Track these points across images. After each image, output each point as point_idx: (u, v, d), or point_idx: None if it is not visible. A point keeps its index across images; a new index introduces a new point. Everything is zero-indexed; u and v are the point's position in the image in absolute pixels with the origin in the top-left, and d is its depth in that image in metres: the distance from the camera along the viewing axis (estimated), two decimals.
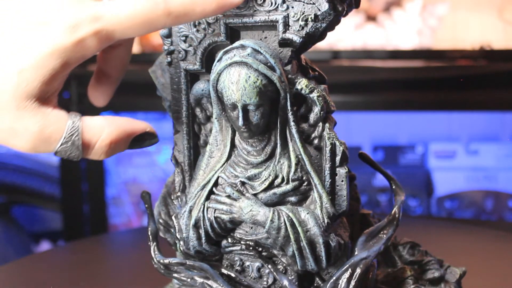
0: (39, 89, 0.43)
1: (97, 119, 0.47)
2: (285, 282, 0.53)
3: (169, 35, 0.55)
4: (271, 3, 0.50)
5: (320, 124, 0.52)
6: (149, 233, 0.58)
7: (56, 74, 0.44)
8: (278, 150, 0.52)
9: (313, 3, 0.49)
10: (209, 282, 0.54)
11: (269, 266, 0.54)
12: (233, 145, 0.54)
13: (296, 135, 0.51)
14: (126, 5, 0.43)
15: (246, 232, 0.53)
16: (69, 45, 0.43)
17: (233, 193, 0.53)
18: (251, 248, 0.54)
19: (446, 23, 1.79)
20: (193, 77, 0.55)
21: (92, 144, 0.47)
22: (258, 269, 0.55)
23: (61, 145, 0.45)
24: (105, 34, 0.43)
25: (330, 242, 0.51)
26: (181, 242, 0.56)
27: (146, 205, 0.60)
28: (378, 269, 0.58)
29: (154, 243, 0.58)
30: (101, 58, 0.56)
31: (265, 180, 0.52)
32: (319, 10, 0.49)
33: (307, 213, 0.51)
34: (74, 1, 0.44)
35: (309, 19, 0.50)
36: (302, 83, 0.51)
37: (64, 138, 0.45)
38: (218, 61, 0.51)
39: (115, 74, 0.57)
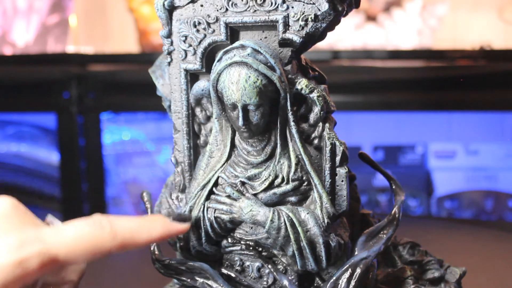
0: None
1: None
2: (285, 282, 0.53)
3: (169, 35, 0.55)
4: (271, 3, 0.50)
5: (320, 124, 0.52)
6: None
7: None
8: (278, 150, 0.52)
9: (313, 3, 0.49)
10: (209, 282, 0.54)
11: (269, 266, 0.54)
12: (233, 145, 0.54)
13: (296, 135, 0.51)
14: (71, 228, 0.43)
15: (246, 232, 0.53)
16: (9, 265, 0.40)
17: (233, 193, 0.52)
18: (251, 248, 0.54)
19: (446, 23, 1.79)
20: (193, 77, 0.55)
21: None
22: (258, 269, 0.54)
23: None
24: (48, 256, 0.42)
25: (330, 242, 0.51)
26: (181, 242, 0.56)
27: (146, 205, 0.60)
28: (378, 269, 0.58)
29: (154, 243, 0.57)
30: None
31: (265, 180, 0.52)
32: (319, 10, 0.49)
33: (307, 213, 0.51)
34: (19, 223, 0.44)
35: (309, 19, 0.49)
36: (302, 83, 0.51)
37: None
38: (218, 61, 0.51)
39: None
